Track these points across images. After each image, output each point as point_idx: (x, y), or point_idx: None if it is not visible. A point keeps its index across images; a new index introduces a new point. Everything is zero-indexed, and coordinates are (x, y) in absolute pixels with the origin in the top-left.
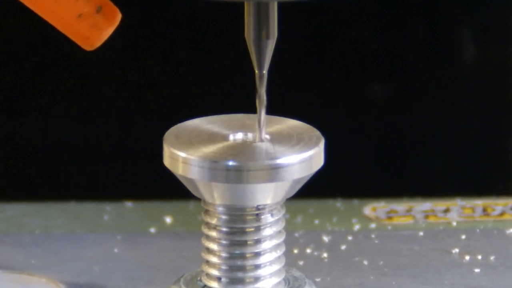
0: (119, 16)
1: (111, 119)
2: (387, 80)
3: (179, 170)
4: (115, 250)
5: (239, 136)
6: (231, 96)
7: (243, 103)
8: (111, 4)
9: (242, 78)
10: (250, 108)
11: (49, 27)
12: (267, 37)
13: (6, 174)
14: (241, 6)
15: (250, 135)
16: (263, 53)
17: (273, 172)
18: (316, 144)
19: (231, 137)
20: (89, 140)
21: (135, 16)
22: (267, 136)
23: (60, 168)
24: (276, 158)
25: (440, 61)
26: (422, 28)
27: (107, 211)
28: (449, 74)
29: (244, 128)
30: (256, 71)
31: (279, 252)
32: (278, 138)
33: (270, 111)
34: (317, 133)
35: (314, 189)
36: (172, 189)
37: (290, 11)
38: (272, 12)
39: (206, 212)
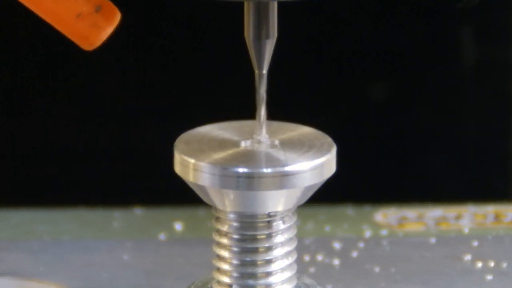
0: (118, 16)
1: (119, 124)
2: (389, 80)
3: (190, 177)
4: (124, 256)
5: (250, 142)
6: (231, 96)
7: (243, 104)
8: (111, 3)
9: (242, 78)
10: (250, 108)
11: (49, 27)
12: (267, 37)
13: (14, 180)
14: (241, 6)
15: (261, 142)
16: (263, 53)
17: (284, 179)
18: (327, 151)
19: (242, 144)
20: (97, 145)
21: (134, 15)
22: (277, 142)
23: (69, 174)
24: (287, 165)
25: (440, 61)
26: (422, 28)
27: (116, 218)
28: (449, 74)
29: (256, 135)
30: (256, 71)
31: (290, 259)
32: (289, 145)
33: (270, 111)
34: (328, 140)
35: (324, 195)
36: (182, 196)
37: (290, 10)
38: (272, 12)
39: (217, 219)
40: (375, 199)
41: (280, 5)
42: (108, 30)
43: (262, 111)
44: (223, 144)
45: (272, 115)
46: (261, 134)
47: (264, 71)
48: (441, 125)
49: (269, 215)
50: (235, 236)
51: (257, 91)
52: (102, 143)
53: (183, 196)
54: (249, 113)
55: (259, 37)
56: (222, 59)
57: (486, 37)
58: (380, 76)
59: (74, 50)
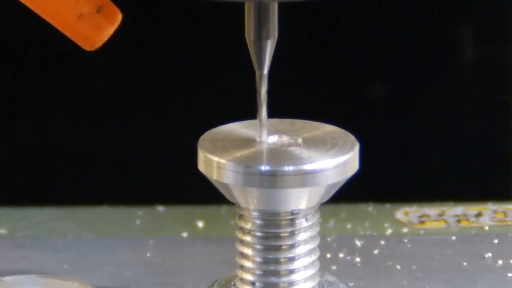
0: (119, 16)
1: (142, 124)
2: (393, 80)
3: (213, 175)
4: (147, 254)
5: (274, 140)
6: (232, 96)
7: (243, 104)
8: (112, 4)
9: (242, 78)
10: (250, 108)
11: (49, 27)
12: (267, 37)
13: (38, 179)
14: (241, 6)
15: (284, 140)
16: (264, 53)
17: (307, 177)
18: (350, 148)
19: (265, 142)
20: (120, 144)
21: (135, 16)
22: (300, 140)
23: (92, 172)
24: (311, 163)
25: (440, 61)
26: (422, 28)
27: (139, 216)
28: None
29: (279, 133)
30: (257, 72)
31: (313, 257)
32: (312, 143)
33: (271, 111)
34: (351, 138)
35: (346, 193)
36: (204, 194)
37: (291, 11)
38: (273, 12)
39: (240, 217)
40: (396, 197)
41: (280, 6)
42: (109, 31)
43: (263, 111)
44: (246, 142)
45: (273, 115)
46: (263, 134)
47: (265, 71)
48: (444, 125)
49: (292, 213)
50: (258, 234)
51: (258, 91)
52: (126, 142)
53: (206, 194)
54: (250, 113)
55: (260, 38)
56: (223, 59)
57: (486, 37)
58: (383, 76)
59: (75, 51)
